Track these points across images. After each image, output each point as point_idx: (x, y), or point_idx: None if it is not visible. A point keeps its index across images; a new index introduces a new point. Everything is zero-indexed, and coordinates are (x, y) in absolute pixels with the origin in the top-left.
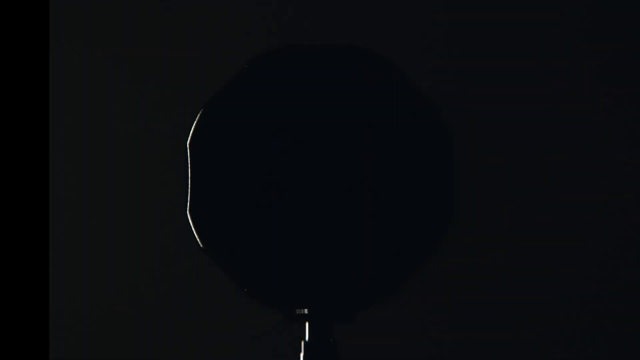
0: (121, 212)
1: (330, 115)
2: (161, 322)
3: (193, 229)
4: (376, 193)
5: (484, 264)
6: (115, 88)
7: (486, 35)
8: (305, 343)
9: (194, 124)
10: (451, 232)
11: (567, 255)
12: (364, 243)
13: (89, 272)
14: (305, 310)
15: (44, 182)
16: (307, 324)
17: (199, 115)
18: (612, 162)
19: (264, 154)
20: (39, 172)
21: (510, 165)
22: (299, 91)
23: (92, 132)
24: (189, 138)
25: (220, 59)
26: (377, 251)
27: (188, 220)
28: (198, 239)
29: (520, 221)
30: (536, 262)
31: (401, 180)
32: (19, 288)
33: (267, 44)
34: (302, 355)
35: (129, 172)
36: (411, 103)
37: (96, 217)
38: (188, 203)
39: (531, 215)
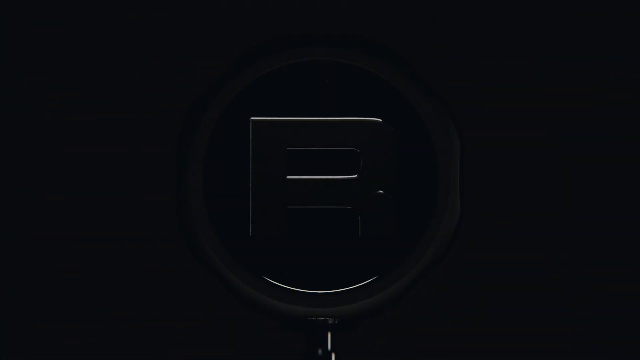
0: (104, 217)
1: (331, 109)
2: (153, 330)
3: (183, 236)
4: (380, 194)
5: (490, 271)
6: (103, 82)
7: (500, 27)
8: (305, 353)
9: (183, 120)
10: (458, 237)
11: (575, 260)
12: (367, 248)
13: (80, 280)
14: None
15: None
16: (305, 335)
17: (188, 110)
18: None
19: (261, 153)
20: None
21: (522, 165)
22: (296, 84)
23: (81, 130)
24: (178, 136)
25: (213, 50)
26: (381, 257)
27: (178, 225)
28: (189, 246)
29: (533, 228)
30: (551, 275)
31: (407, 180)
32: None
33: (263, 35)
34: None
35: (115, 172)
36: (417, 97)
37: (82, 219)
38: (176, 208)
39: (544, 220)
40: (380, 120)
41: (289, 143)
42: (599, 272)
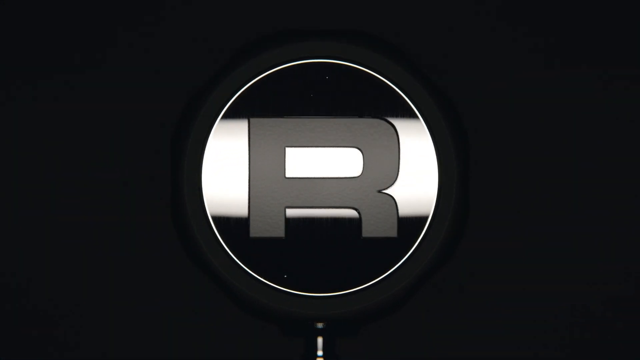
0: (98, 218)
1: (332, 104)
2: (149, 333)
3: (178, 237)
4: (381, 193)
5: (496, 275)
6: (95, 78)
7: (505, 24)
8: (304, 358)
9: (179, 117)
10: (464, 240)
11: (581, 261)
12: (369, 250)
13: (74, 283)
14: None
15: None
16: (305, 339)
17: (184, 107)
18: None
19: (259, 151)
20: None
21: (527, 165)
22: (296, 79)
23: (74, 129)
24: (173, 133)
25: (210, 47)
26: (382, 261)
27: (172, 226)
28: (185, 248)
29: (539, 228)
30: (557, 277)
31: (409, 180)
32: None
33: (261, 28)
34: None
35: (109, 172)
36: (421, 93)
37: (75, 220)
38: (172, 208)
39: (550, 220)
40: (381, 119)
41: (288, 142)
42: (603, 270)
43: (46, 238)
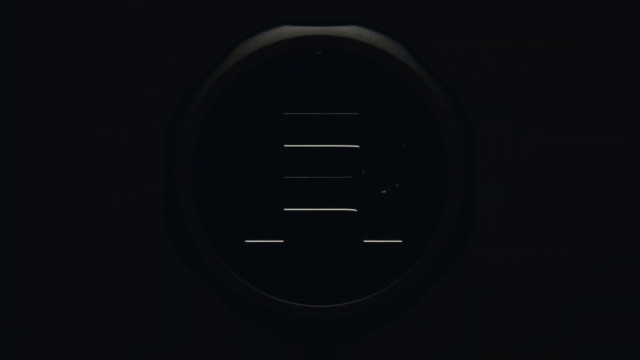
0: (89, 220)
1: (332, 102)
2: (142, 344)
3: (171, 240)
4: (383, 192)
5: (503, 277)
6: (87, 74)
7: (514, 11)
8: None
9: (172, 113)
10: (470, 244)
11: (590, 263)
12: (371, 255)
13: (67, 287)
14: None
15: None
16: (304, 345)
17: (178, 102)
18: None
19: (257, 150)
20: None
21: (539, 165)
22: (295, 75)
23: (64, 127)
24: (166, 131)
25: (204, 38)
26: (384, 265)
27: (165, 228)
28: (176, 253)
29: (550, 231)
30: (566, 282)
31: (413, 179)
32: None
33: (258, 21)
34: None
35: (97, 171)
36: (426, 87)
37: (67, 221)
38: (165, 209)
39: (561, 222)
40: (385, 115)
41: (287, 140)
42: (610, 271)
43: (38, 238)
